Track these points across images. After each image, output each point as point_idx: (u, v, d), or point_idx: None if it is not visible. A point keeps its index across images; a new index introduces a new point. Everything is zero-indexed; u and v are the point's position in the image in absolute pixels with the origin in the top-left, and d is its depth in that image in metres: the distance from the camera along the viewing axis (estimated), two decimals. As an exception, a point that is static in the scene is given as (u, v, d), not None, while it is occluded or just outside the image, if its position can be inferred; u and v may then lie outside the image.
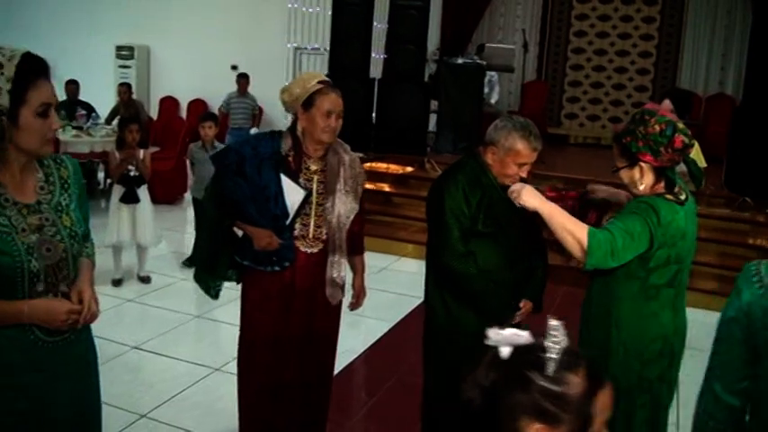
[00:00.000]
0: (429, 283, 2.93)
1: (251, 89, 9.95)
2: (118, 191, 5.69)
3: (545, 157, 9.11)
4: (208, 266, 3.07)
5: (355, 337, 4.70)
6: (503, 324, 2.73)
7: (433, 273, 2.92)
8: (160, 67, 12.65)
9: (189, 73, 11.92)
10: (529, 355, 1.18)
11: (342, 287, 3.00)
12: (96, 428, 2.12)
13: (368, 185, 7.35)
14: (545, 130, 10.34)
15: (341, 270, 2.95)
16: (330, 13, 8.92)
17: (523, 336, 1.21)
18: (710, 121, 9.60)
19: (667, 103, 4.73)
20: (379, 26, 9.58)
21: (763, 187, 6.78)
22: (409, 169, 8.45)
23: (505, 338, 1.21)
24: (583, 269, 2.35)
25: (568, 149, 10.88)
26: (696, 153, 4.52)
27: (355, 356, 4.51)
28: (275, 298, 2.88)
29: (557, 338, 1.17)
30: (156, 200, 6.13)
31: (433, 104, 9.16)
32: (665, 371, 2.45)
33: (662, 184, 2.39)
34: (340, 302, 3.04)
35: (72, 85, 9.60)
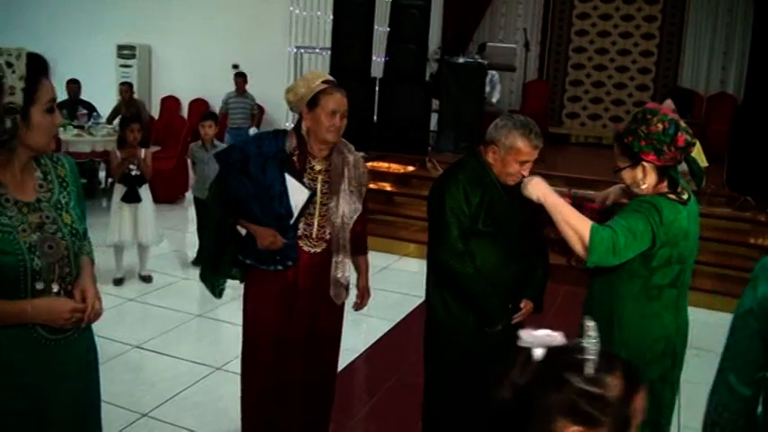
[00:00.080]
0: (430, 283, 2.93)
1: (252, 88, 9.95)
2: (119, 190, 5.70)
3: (546, 156, 9.08)
4: (212, 265, 3.07)
5: (356, 336, 4.70)
6: (497, 324, 2.75)
7: (433, 272, 2.92)
8: (161, 67, 12.65)
9: (190, 72, 11.92)
10: (565, 357, 1.17)
11: (346, 287, 3.00)
12: (97, 427, 2.12)
13: (370, 185, 7.36)
14: (546, 130, 10.34)
15: (345, 270, 2.96)
16: (331, 12, 8.91)
17: (557, 337, 1.20)
18: (712, 120, 9.59)
19: (669, 103, 4.73)
20: (380, 26, 9.57)
21: (765, 186, 6.77)
22: (410, 168, 8.45)
23: (539, 339, 1.19)
24: (583, 266, 2.35)
25: (570, 149, 10.88)
26: (697, 152, 4.51)
27: (356, 356, 4.51)
28: (278, 297, 2.88)
29: (593, 339, 1.16)
30: (157, 199, 6.14)
31: (435, 104, 9.15)
32: (668, 371, 2.44)
33: (665, 184, 2.38)
34: (343, 302, 3.04)
35: (73, 85, 9.61)
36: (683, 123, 2.34)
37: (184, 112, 11.90)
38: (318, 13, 10.83)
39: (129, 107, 9.48)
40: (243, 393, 3.06)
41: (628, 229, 2.28)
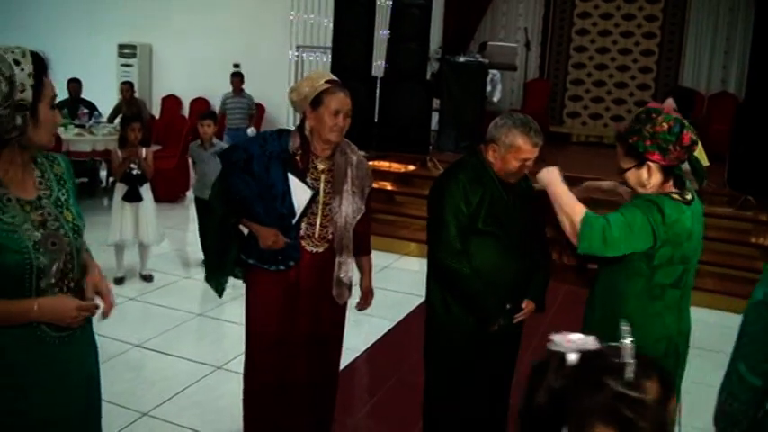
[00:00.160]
0: (430, 282, 2.94)
1: (253, 88, 9.93)
2: (120, 189, 5.70)
3: (547, 155, 9.07)
4: (216, 264, 3.08)
5: (357, 335, 4.70)
6: (494, 324, 2.75)
7: (433, 271, 2.92)
8: (162, 66, 12.65)
9: (191, 71, 11.92)
10: (602, 360, 1.15)
11: (349, 287, 3.00)
12: (97, 426, 2.12)
13: (372, 184, 7.37)
14: (547, 129, 10.32)
15: (348, 270, 2.95)
16: (332, 11, 8.91)
17: (590, 341, 1.19)
18: (713, 120, 9.58)
19: (670, 102, 4.73)
20: (382, 25, 9.56)
21: (766, 186, 6.76)
22: (411, 168, 8.45)
23: (572, 344, 1.18)
24: (577, 266, 2.35)
25: (570, 148, 10.86)
26: (699, 151, 4.50)
27: (357, 355, 4.51)
28: (280, 297, 2.87)
29: (629, 343, 1.15)
30: (158, 198, 6.14)
31: (436, 103, 9.15)
32: (670, 372, 2.44)
33: (670, 183, 2.37)
34: (346, 302, 3.04)
35: (74, 84, 9.61)
36: (686, 122, 2.34)
37: (185, 112, 11.90)
38: (319, 12, 10.82)
39: (129, 106, 9.48)
40: (245, 393, 3.06)
41: (624, 221, 2.28)
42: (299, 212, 2.81)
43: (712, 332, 5.10)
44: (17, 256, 1.76)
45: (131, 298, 5.40)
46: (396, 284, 5.89)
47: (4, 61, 1.70)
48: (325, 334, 2.98)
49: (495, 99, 10.11)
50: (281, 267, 2.85)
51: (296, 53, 10.78)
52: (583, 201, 2.42)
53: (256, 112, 10.28)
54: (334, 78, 2.86)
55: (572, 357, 1.16)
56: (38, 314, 1.80)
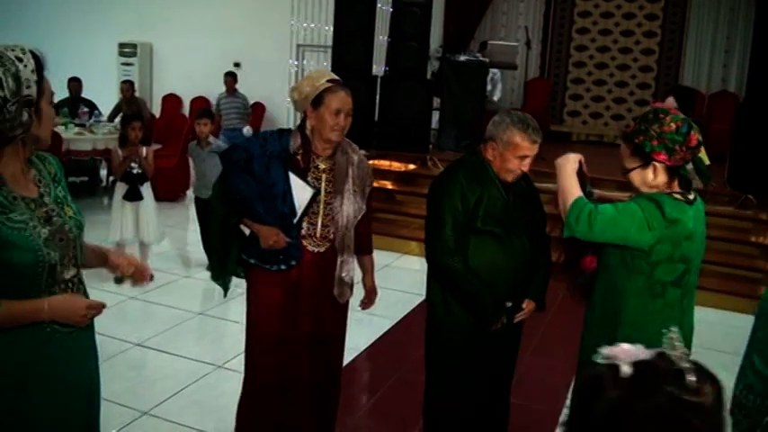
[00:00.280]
0: (431, 281, 2.94)
1: (253, 87, 9.92)
2: (121, 188, 5.70)
3: (547, 154, 9.06)
4: (219, 265, 3.07)
5: (358, 334, 4.69)
6: (494, 322, 2.74)
7: (431, 270, 2.93)
8: (162, 65, 12.65)
9: (191, 70, 11.92)
10: (658, 368, 1.14)
11: (351, 286, 2.99)
12: (96, 424, 2.13)
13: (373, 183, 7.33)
14: (548, 128, 10.32)
15: (350, 270, 2.95)
16: (333, 9, 8.91)
17: (641, 350, 1.17)
18: (713, 119, 9.58)
19: (671, 101, 4.71)
20: (382, 24, 9.56)
21: (766, 185, 6.76)
22: (412, 167, 8.45)
23: (624, 354, 1.16)
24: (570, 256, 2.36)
25: (571, 147, 10.81)
26: (701, 151, 4.51)
27: (358, 353, 4.52)
28: (282, 297, 2.86)
29: (682, 349, 1.14)
30: (158, 197, 6.14)
31: (436, 102, 9.15)
32: None
33: (675, 184, 2.37)
34: (347, 301, 3.04)
35: (74, 83, 9.61)
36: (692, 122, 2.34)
37: (186, 111, 11.90)
38: (320, 12, 10.82)
39: (130, 105, 9.48)
40: (244, 393, 3.04)
41: (613, 209, 2.30)
42: (300, 212, 2.80)
43: (712, 331, 5.10)
44: (30, 254, 1.77)
45: (131, 297, 5.40)
46: (396, 283, 5.89)
47: (6, 58, 1.70)
48: (327, 333, 2.97)
49: (496, 98, 10.09)
50: (283, 267, 2.84)
51: (296, 52, 10.77)
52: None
53: (252, 112, 10.25)
54: (336, 77, 2.85)
55: (626, 369, 1.14)
56: (48, 314, 1.81)
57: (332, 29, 9.02)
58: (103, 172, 9.36)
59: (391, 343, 4.86)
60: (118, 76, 11.94)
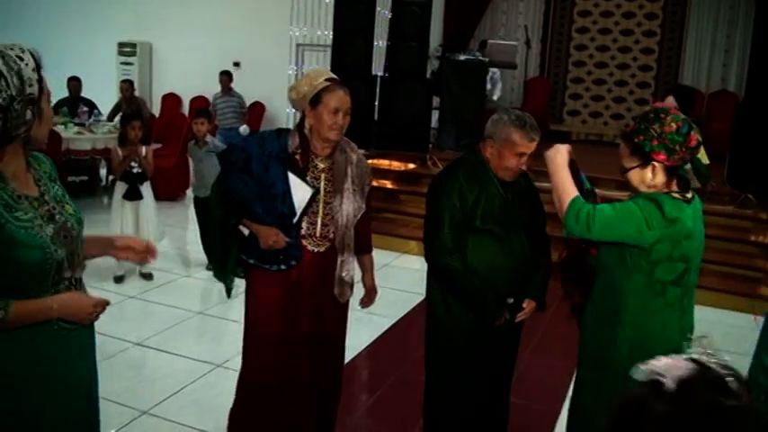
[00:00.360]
0: (430, 280, 2.94)
1: (252, 86, 9.92)
2: (121, 188, 5.70)
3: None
4: (219, 265, 3.07)
5: (358, 333, 4.69)
6: (497, 319, 2.73)
7: (430, 269, 2.93)
8: (162, 64, 12.65)
9: (191, 70, 11.92)
10: (700, 379, 1.11)
11: (351, 286, 2.99)
12: (96, 424, 2.13)
13: (372, 182, 7.30)
14: (547, 127, 10.32)
15: (350, 269, 2.94)
16: (333, 9, 8.91)
17: (682, 362, 1.14)
18: (713, 118, 9.58)
19: (671, 100, 4.70)
20: (381, 24, 9.56)
21: (766, 184, 6.76)
22: (411, 166, 8.45)
23: (668, 369, 1.13)
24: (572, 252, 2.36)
25: (570, 146, 10.84)
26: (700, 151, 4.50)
27: (357, 353, 4.51)
28: (282, 297, 2.85)
29: (716, 356, 1.13)
30: (158, 197, 6.14)
31: (436, 101, 9.15)
32: None
33: (674, 183, 2.37)
34: (347, 301, 3.03)
35: (74, 82, 9.60)
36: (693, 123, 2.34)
37: (185, 110, 11.90)
38: (319, 11, 10.82)
39: (129, 105, 9.48)
40: (240, 392, 3.02)
41: (611, 209, 2.29)
42: (299, 211, 2.80)
43: (711, 330, 5.09)
44: (38, 252, 1.78)
45: (131, 296, 5.40)
46: (396, 283, 5.89)
47: (9, 57, 1.71)
48: (327, 333, 2.96)
49: (496, 97, 10.10)
50: (283, 267, 2.83)
51: (296, 52, 10.77)
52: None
53: (248, 111, 10.22)
54: (334, 76, 2.84)
55: (670, 383, 1.11)
56: (57, 312, 1.82)
57: (331, 28, 9.03)
58: (103, 171, 9.36)
59: (391, 342, 4.86)
60: (117, 76, 11.95)
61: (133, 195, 5.66)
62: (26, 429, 1.85)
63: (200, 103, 11.35)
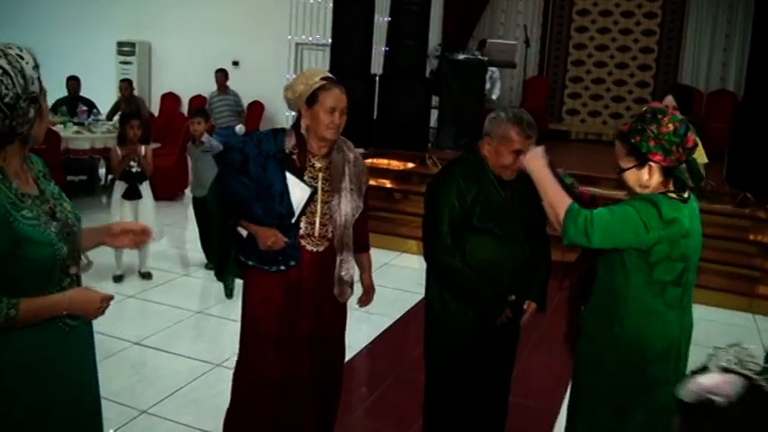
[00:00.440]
0: (429, 278, 2.94)
1: (251, 86, 9.90)
2: (120, 187, 5.70)
3: (546, 153, 9.04)
4: (219, 267, 3.06)
5: (356, 332, 4.69)
6: (498, 316, 2.71)
7: (429, 267, 2.93)
8: (161, 64, 12.65)
9: (190, 69, 11.91)
10: (751, 389, 1.10)
11: (350, 285, 2.98)
12: (99, 422, 2.13)
13: (370, 181, 7.32)
14: (546, 126, 10.33)
15: (349, 268, 2.93)
16: (332, 8, 8.90)
17: (733, 378, 1.13)
18: (712, 117, 9.58)
19: (670, 99, 4.70)
20: (381, 22, 9.56)
21: (765, 183, 6.77)
22: (410, 165, 8.44)
23: (719, 388, 1.11)
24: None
25: (569, 145, 10.87)
26: (698, 149, 4.50)
27: (356, 352, 4.52)
28: (281, 298, 2.83)
29: (754, 364, 1.12)
30: (157, 196, 6.13)
31: (435, 100, 9.15)
32: (670, 372, 2.41)
33: (670, 184, 2.36)
34: (347, 300, 3.03)
35: (73, 82, 9.60)
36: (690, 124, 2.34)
37: (184, 109, 11.90)
38: (319, 7, 10.81)
39: (128, 104, 9.48)
40: (236, 393, 2.99)
41: (608, 214, 2.28)
42: (297, 211, 2.79)
43: (710, 329, 5.10)
44: (47, 248, 1.79)
45: (130, 296, 5.40)
46: (395, 282, 5.89)
47: (12, 56, 1.72)
48: (327, 333, 2.95)
49: (495, 96, 10.10)
50: (282, 268, 2.82)
51: (295, 51, 10.77)
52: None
53: (244, 109, 10.20)
54: (330, 75, 2.83)
55: (722, 401, 1.10)
56: (67, 307, 1.84)
57: (330, 28, 9.02)
58: (102, 171, 9.35)
59: (390, 341, 4.86)
60: (116, 75, 11.94)
61: (132, 195, 5.66)
62: (33, 430, 1.85)
63: (199, 103, 11.34)
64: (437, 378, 2.95)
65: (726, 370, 1.12)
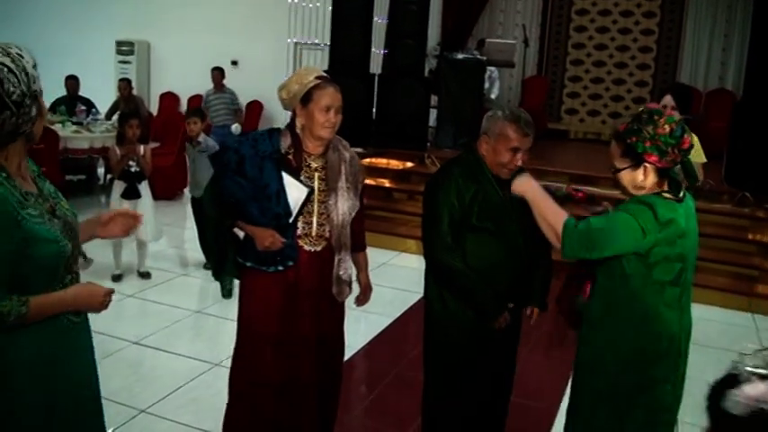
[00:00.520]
0: (428, 278, 2.94)
1: (250, 85, 9.89)
2: (119, 186, 5.69)
3: (545, 152, 9.11)
4: (217, 268, 3.05)
5: (355, 332, 4.70)
6: (496, 319, 2.71)
7: (428, 267, 2.93)
8: (160, 63, 12.64)
9: (189, 68, 11.90)
10: None
11: (349, 284, 2.98)
12: (101, 420, 2.13)
13: (368, 181, 7.33)
14: (545, 126, 10.33)
15: (347, 267, 2.92)
16: (330, 7, 8.90)
17: (763, 385, 1.11)
18: (710, 117, 9.59)
19: (669, 99, 4.71)
20: (380, 21, 9.56)
21: (763, 182, 6.77)
22: (409, 165, 8.44)
23: (766, 395, 1.10)
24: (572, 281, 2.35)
25: (568, 145, 10.88)
26: (696, 148, 4.50)
27: (355, 351, 4.52)
28: (279, 298, 2.83)
29: None
30: (155, 196, 6.12)
31: (434, 100, 9.15)
32: (671, 370, 2.41)
33: (665, 185, 2.36)
34: (344, 300, 3.02)
35: (72, 81, 9.58)
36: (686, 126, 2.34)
37: (183, 109, 11.88)
38: (317, 3, 10.80)
39: (127, 103, 9.48)
40: (234, 394, 2.98)
41: (605, 223, 2.28)
42: (295, 211, 2.78)
43: (708, 328, 5.11)
44: (54, 245, 1.80)
45: (129, 295, 5.40)
46: (394, 281, 5.89)
47: (14, 55, 1.73)
48: (326, 333, 2.95)
49: (493, 96, 10.11)
50: (280, 268, 2.81)
51: (294, 51, 10.76)
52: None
53: (241, 108, 10.18)
54: (324, 74, 2.82)
55: None
56: (74, 303, 1.86)
57: (329, 27, 9.02)
58: (101, 170, 9.34)
59: (388, 341, 4.86)
60: (115, 74, 11.93)
61: (131, 194, 5.65)
62: (36, 429, 1.85)
63: (197, 102, 11.31)
64: (436, 378, 2.95)
65: (763, 377, 1.10)
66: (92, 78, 10.47)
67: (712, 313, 5.57)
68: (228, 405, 3.02)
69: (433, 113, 9.23)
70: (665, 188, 2.35)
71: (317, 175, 2.83)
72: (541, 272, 2.94)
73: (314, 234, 2.84)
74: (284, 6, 10.93)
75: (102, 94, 10.36)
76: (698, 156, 4.56)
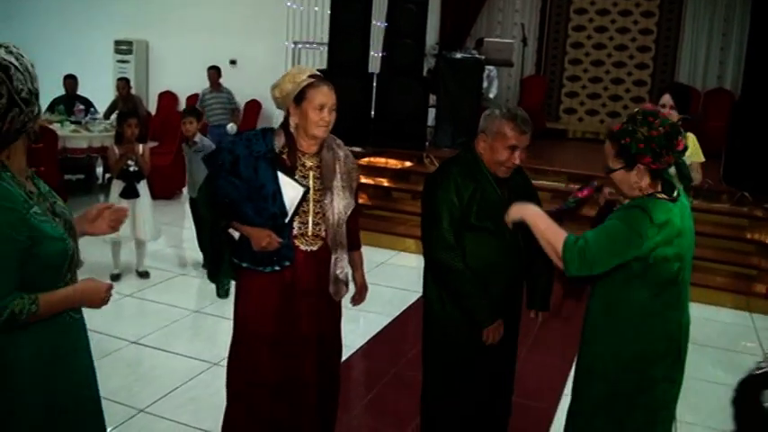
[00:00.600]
0: (427, 278, 2.93)
1: (249, 85, 9.88)
2: (117, 186, 5.68)
3: (543, 151, 9.13)
4: (213, 267, 3.04)
5: (354, 331, 4.70)
6: (487, 325, 2.72)
7: (427, 265, 2.93)
8: (158, 62, 12.62)
9: (187, 68, 11.87)
10: None
11: (346, 283, 2.97)
12: (101, 417, 2.13)
13: (367, 180, 7.32)
14: (543, 125, 10.34)
15: (344, 267, 2.92)
16: (329, 7, 8.89)
17: None
18: (709, 116, 9.59)
19: (667, 98, 4.71)
20: (378, 21, 9.56)
21: (762, 182, 6.78)
22: (408, 164, 8.44)
23: None
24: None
25: (567, 144, 10.88)
26: (695, 148, 4.51)
27: (354, 351, 4.52)
28: (276, 299, 2.81)
29: None
30: (154, 195, 6.11)
31: (432, 99, 9.15)
32: (671, 370, 2.42)
33: (658, 186, 2.36)
34: (341, 299, 3.02)
35: (70, 80, 9.57)
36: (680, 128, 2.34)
37: (181, 108, 11.85)
38: (316, 8, 10.80)
39: (126, 103, 9.46)
40: (233, 395, 2.96)
41: (604, 237, 2.28)
42: (291, 211, 2.77)
43: (707, 327, 5.11)
44: (60, 243, 1.81)
45: (128, 295, 5.39)
46: (392, 281, 5.89)
47: (15, 54, 1.74)
48: (324, 333, 2.94)
49: (492, 95, 10.11)
50: (276, 268, 2.80)
51: (292, 50, 10.76)
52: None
53: (238, 107, 10.16)
54: (317, 72, 2.80)
55: None
56: (78, 300, 1.87)
57: (328, 27, 9.01)
58: (99, 169, 9.33)
59: (387, 340, 4.86)
60: (114, 74, 11.91)
61: (130, 193, 5.65)
62: (38, 429, 1.85)
63: (196, 102, 11.32)
64: (435, 378, 2.95)
65: None
66: (90, 78, 10.46)
67: (711, 313, 5.58)
68: (228, 405, 3.02)
69: (432, 113, 9.23)
70: (659, 188, 2.35)
71: (311, 174, 2.82)
72: (543, 275, 2.96)
73: (310, 233, 2.83)
74: (283, 6, 10.92)
75: (101, 94, 10.35)
76: (696, 155, 4.57)
